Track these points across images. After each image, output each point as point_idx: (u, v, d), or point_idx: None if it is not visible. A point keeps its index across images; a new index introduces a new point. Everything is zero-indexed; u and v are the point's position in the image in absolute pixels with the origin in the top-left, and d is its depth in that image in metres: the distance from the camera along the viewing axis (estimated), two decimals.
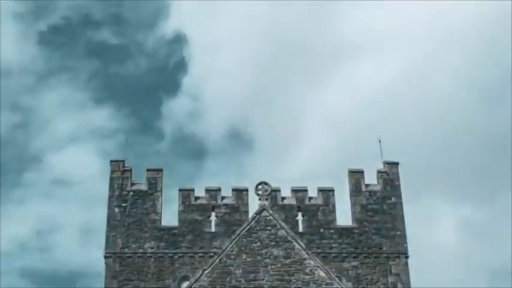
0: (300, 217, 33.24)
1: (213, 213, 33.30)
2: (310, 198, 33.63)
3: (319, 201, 33.55)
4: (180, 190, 33.78)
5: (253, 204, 29.41)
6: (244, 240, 25.91)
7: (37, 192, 73.07)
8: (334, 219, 33.31)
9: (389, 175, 34.11)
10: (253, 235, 26.03)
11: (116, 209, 33.34)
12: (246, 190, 33.41)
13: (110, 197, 33.62)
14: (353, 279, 32.03)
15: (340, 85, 69.95)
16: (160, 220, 33.30)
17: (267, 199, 27.23)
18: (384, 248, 32.76)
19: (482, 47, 68.49)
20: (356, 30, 68.58)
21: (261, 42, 70.02)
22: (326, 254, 32.22)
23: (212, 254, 30.23)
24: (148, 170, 34.24)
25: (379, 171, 34.24)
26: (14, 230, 68.16)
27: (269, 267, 25.32)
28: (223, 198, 33.65)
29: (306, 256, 25.60)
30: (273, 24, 69.64)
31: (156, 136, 71.97)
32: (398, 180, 34.06)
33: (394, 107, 65.61)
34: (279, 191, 33.25)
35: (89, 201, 65.70)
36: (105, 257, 32.60)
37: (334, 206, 33.53)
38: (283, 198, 33.46)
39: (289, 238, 25.99)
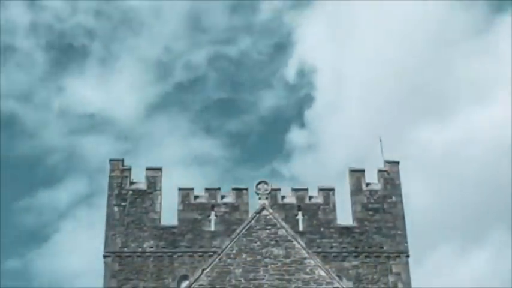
0: (300, 216, 33.12)
1: (213, 213, 33.19)
2: (311, 197, 33.52)
3: (320, 200, 33.44)
4: (179, 189, 33.66)
5: (253, 203, 29.36)
6: (244, 239, 25.85)
7: None
8: (335, 219, 33.20)
9: (390, 174, 34.00)
10: (253, 234, 25.98)
11: (115, 208, 33.22)
12: (246, 189, 33.31)
13: (109, 196, 33.49)
14: (353, 279, 31.91)
15: (461, 125, 69.52)
16: (159, 219, 33.18)
17: (267, 198, 27.20)
18: (385, 247, 32.65)
19: None
20: (471, 77, 68.61)
21: (386, 82, 69.12)
22: (326, 254, 32.11)
23: (212, 253, 30.05)
24: (147, 169, 34.12)
25: (379, 170, 34.13)
26: None
27: (269, 267, 25.25)
28: (223, 197, 33.55)
29: (306, 255, 25.54)
30: (399, 67, 68.98)
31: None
32: (399, 179, 33.96)
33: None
34: (279, 190, 33.15)
35: None
36: (104, 257, 32.47)
37: (334, 205, 33.43)
38: (283, 197, 33.36)
39: (289, 237, 25.94)
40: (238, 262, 25.35)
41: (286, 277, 25.06)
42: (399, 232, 32.94)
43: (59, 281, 66.41)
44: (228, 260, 25.42)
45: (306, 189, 33.66)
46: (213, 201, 33.37)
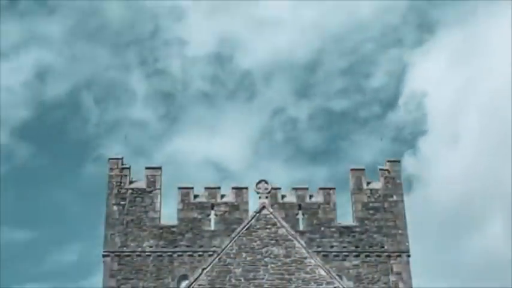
0: (300, 215, 33.01)
1: (213, 212, 33.07)
2: (311, 196, 33.40)
3: (320, 200, 33.31)
4: (179, 188, 33.52)
5: (253, 202, 29.27)
6: (244, 238, 25.80)
7: None
8: (335, 218, 33.09)
9: (391, 173, 33.87)
10: (253, 234, 25.95)
11: (115, 207, 33.09)
12: (246, 188, 33.18)
13: (108, 195, 33.36)
14: (354, 278, 31.80)
15: None
16: (159, 218, 33.04)
17: (267, 197, 27.17)
18: (385, 247, 32.53)
19: None
20: None
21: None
22: (327, 253, 32.02)
23: (212, 252, 30.07)
24: (147, 168, 33.99)
25: (380, 169, 34.01)
26: None
27: (269, 266, 25.20)
28: (222, 196, 33.42)
29: (307, 255, 25.50)
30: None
31: None
32: (400, 178, 33.86)
33: None
34: (279, 189, 33.02)
35: None
36: (104, 256, 32.34)
37: (334, 204, 33.31)
38: (283, 197, 33.24)
39: (290, 237, 25.89)
40: (238, 262, 25.29)
41: (287, 276, 25.01)
42: (400, 231, 32.82)
43: None
44: (228, 260, 25.36)
45: (307, 188, 33.53)
46: (212, 201, 33.24)
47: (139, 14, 72.23)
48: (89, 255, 63.55)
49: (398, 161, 34.31)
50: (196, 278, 25.03)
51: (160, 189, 33.50)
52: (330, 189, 33.53)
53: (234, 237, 25.89)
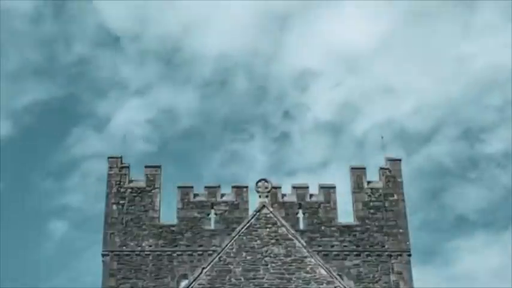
0: (300, 214, 32.90)
1: (213, 211, 32.97)
2: (311, 195, 33.28)
3: (320, 199, 33.19)
4: (178, 187, 33.40)
5: (254, 201, 29.14)
6: (244, 238, 25.72)
7: None
8: (336, 217, 32.97)
9: (392, 172, 33.74)
10: (253, 233, 25.88)
11: (114, 207, 32.97)
12: (246, 187, 33.08)
13: (108, 194, 33.25)
14: (355, 278, 31.65)
15: None
16: (158, 218, 32.93)
17: (267, 196, 27.12)
18: (386, 246, 32.40)
19: None
20: None
21: None
22: (327, 252, 31.89)
23: (211, 252, 30.01)
24: (146, 167, 33.88)
25: (381, 168, 33.87)
26: None
27: (269, 266, 25.11)
28: (222, 195, 33.31)
29: (307, 254, 25.41)
30: None
31: None
32: (401, 177, 33.71)
33: None
34: (280, 188, 32.91)
35: None
36: (103, 255, 32.22)
37: (335, 203, 33.19)
38: (283, 195, 33.12)
39: (290, 236, 25.80)
40: (238, 261, 25.19)
41: (287, 276, 24.92)
42: (401, 230, 32.69)
43: None
44: (228, 259, 25.27)
45: (307, 187, 33.39)
46: (212, 200, 33.12)
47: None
48: None
49: (399, 160, 34.17)
50: (196, 278, 24.93)
51: (159, 188, 33.39)
52: (331, 188, 33.40)
53: (234, 237, 25.81)
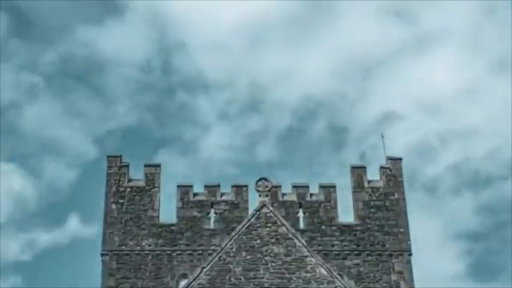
0: (301, 214, 32.80)
1: (212, 210, 32.87)
2: (312, 194, 33.17)
3: (321, 198, 33.08)
4: (178, 186, 33.29)
5: (254, 200, 29.05)
6: (244, 237, 25.63)
7: None
8: (336, 216, 32.88)
9: (393, 171, 33.64)
10: (253, 232, 25.80)
11: (113, 206, 32.85)
12: (246, 186, 32.96)
13: (107, 193, 33.14)
14: (355, 277, 31.56)
15: None
16: (158, 217, 32.81)
17: (267, 195, 27.04)
18: (387, 246, 32.30)
19: None
20: None
21: None
22: (327, 252, 31.80)
23: (211, 251, 29.95)
24: (146, 166, 33.75)
25: (381, 167, 33.76)
26: None
27: (269, 265, 25.02)
28: (222, 194, 33.20)
29: (307, 253, 25.33)
30: None
31: None
32: (402, 176, 33.63)
33: None
34: (280, 187, 32.79)
35: None
36: (102, 255, 32.08)
37: (335, 203, 33.08)
38: (283, 195, 33.03)
39: (290, 235, 25.71)
40: (238, 260, 25.09)
41: (287, 275, 24.82)
42: (401, 230, 32.59)
43: None
44: (228, 258, 25.17)
45: (307, 186, 33.28)
46: (212, 199, 33.01)
47: None
48: None
49: (400, 159, 34.04)
50: (196, 277, 24.83)
51: (159, 187, 33.27)
52: (331, 187, 33.28)
53: (233, 236, 25.72)
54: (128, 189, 33.16)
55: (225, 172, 57.30)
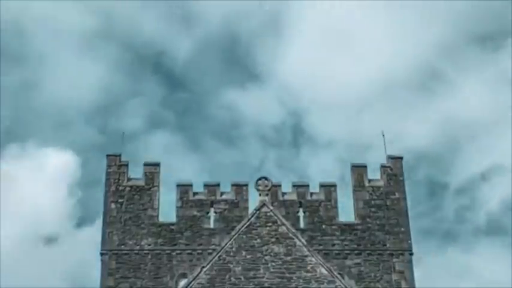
0: (301, 213, 32.73)
1: (212, 209, 32.77)
2: (312, 193, 33.07)
3: (321, 197, 32.98)
4: (177, 185, 33.17)
5: (254, 199, 28.94)
6: (244, 236, 25.55)
7: None
8: (336, 215, 32.78)
9: (393, 170, 33.52)
10: (253, 231, 25.71)
11: (112, 205, 32.74)
12: (246, 185, 32.86)
13: (106, 192, 33.03)
14: (356, 277, 31.48)
15: None
16: (157, 216, 32.69)
17: (267, 194, 26.95)
18: (388, 245, 32.21)
19: None
20: None
21: None
22: (328, 251, 31.70)
23: (211, 250, 29.89)
24: (145, 165, 33.62)
25: (382, 166, 33.63)
26: None
27: (269, 265, 24.92)
28: (222, 193, 33.11)
29: (308, 253, 25.25)
30: None
31: None
32: (402, 175, 33.55)
33: None
34: (280, 186, 32.69)
35: None
36: (101, 254, 31.98)
37: (336, 202, 32.98)
38: (284, 194, 32.92)
39: (290, 234, 25.63)
40: (237, 260, 25.00)
41: (287, 275, 24.73)
42: (402, 229, 32.50)
43: None
44: (228, 258, 25.08)
45: (307, 186, 33.17)
46: (212, 198, 32.90)
47: None
48: None
49: (401, 158, 33.92)
50: (196, 277, 24.74)
51: (158, 186, 33.15)
52: (331, 186, 33.15)
53: (233, 235, 25.63)
54: (128, 189, 33.04)
55: None
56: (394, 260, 31.97)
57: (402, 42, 69.88)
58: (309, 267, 24.89)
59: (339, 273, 27.01)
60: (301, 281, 24.63)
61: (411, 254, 32.08)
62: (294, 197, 32.94)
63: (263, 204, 26.27)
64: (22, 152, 64.87)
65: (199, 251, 31.81)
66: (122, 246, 32.00)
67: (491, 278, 57.00)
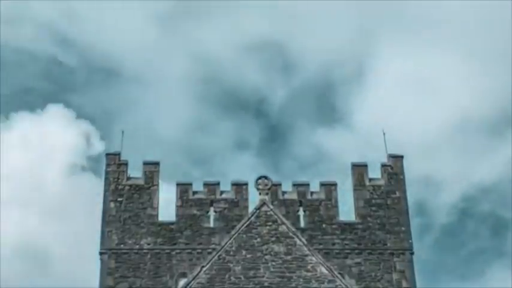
0: (301, 212, 32.62)
1: (212, 208, 32.66)
2: (312, 192, 33.00)
3: (321, 196, 32.88)
4: (177, 184, 33.07)
5: (254, 199, 28.91)
6: (244, 236, 25.53)
7: None
8: (337, 215, 32.69)
9: (394, 169, 33.44)
10: (253, 231, 25.70)
11: (112, 204, 32.62)
12: (246, 184, 32.73)
13: (105, 191, 32.93)
14: (356, 276, 31.37)
15: None
16: (157, 215, 32.57)
17: (267, 193, 26.96)
18: (388, 244, 32.12)
19: None
20: None
21: None
22: (328, 250, 31.58)
23: (211, 250, 29.90)
24: (145, 164, 33.52)
25: (383, 165, 33.54)
26: None
27: (269, 264, 24.89)
28: (222, 192, 33.00)
29: (308, 252, 25.24)
30: None
31: None
32: (403, 174, 33.46)
33: None
34: (280, 185, 32.60)
35: None
36: (101, 254, 31.86)
37: (336, 201, 32.89)
38: (284, 193, 32.84)
39: (290, 234, 25.63)
40: (237, 259, 24.96)
41: (287, 274, 24.70)
42: (403, 228, 32.41)
43: None
44: (228, 257, 25.05)
45: (308, 185, 33.08)
46: (212, 197, 32.80)
47: None
48: None
49: (401, 157, 33.82)
50: (195, 276, 24.72)
51: (158, 185, 33.06)
52: (332, 185, 33.06)
53: (233, 235, 25.63)
54: (127, 187, 32.93)
55: None
56: (395, 259, 31.87)
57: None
58: (309, 267, 24.88)
59: (340, 273, 26.93)
60: (301, 280, 24.60)
61: (412, 254, 32.00)
62: (294, 196, 32.84)
63: (263, 204, 26.27)
64: None
65: (199, 250, 31.71)
66: (121, 246, 31.88)
67: None
